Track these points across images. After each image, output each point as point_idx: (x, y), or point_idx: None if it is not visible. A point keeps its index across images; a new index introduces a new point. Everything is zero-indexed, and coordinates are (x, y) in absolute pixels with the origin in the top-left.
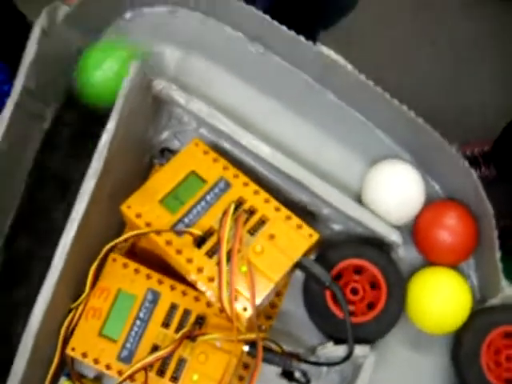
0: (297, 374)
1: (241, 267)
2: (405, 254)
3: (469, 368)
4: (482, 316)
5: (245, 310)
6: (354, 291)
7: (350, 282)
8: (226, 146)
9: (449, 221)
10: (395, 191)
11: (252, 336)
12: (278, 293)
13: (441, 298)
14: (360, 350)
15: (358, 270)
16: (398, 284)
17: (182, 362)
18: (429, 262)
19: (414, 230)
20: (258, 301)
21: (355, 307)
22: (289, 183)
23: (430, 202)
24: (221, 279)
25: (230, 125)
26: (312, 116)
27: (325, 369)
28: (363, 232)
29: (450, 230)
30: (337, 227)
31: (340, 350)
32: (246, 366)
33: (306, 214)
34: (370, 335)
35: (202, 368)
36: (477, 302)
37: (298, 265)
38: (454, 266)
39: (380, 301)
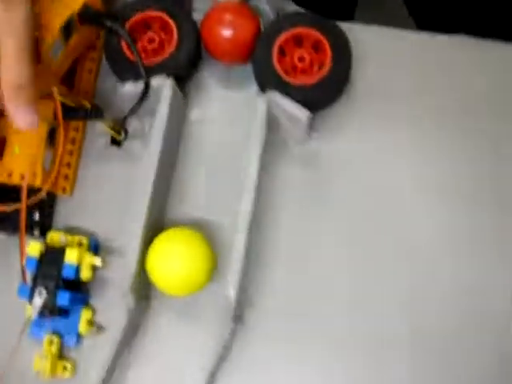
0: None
1: None
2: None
3: (265, 75)
4: (267, 29)
5: None
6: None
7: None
8: None
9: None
10: None
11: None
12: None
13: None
14: (156, 81)
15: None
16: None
17: (2, 142)
18: None
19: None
20: None
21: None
22: None
23: None
24: None
25: None
26: None
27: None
28: None
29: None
30: None
31: (139, 86)
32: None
33: None
34: (169, 70)
35: (17, 138)
36: None
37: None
38: None
39: (172, 39)
